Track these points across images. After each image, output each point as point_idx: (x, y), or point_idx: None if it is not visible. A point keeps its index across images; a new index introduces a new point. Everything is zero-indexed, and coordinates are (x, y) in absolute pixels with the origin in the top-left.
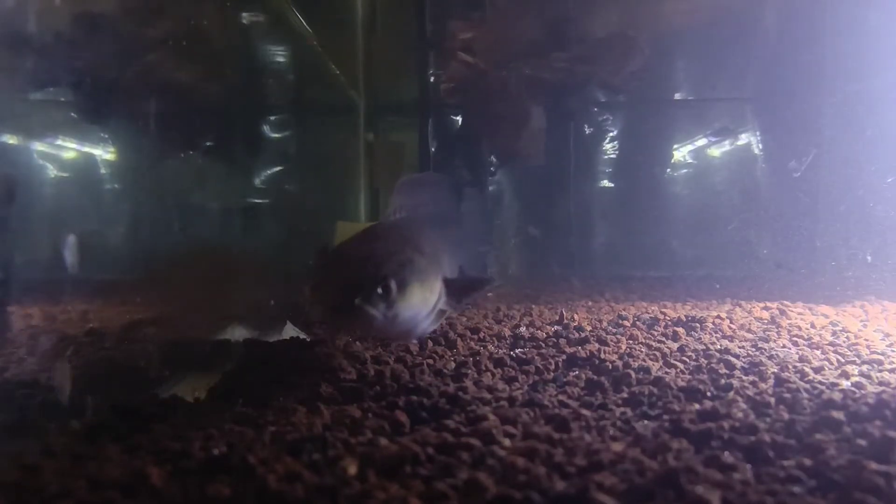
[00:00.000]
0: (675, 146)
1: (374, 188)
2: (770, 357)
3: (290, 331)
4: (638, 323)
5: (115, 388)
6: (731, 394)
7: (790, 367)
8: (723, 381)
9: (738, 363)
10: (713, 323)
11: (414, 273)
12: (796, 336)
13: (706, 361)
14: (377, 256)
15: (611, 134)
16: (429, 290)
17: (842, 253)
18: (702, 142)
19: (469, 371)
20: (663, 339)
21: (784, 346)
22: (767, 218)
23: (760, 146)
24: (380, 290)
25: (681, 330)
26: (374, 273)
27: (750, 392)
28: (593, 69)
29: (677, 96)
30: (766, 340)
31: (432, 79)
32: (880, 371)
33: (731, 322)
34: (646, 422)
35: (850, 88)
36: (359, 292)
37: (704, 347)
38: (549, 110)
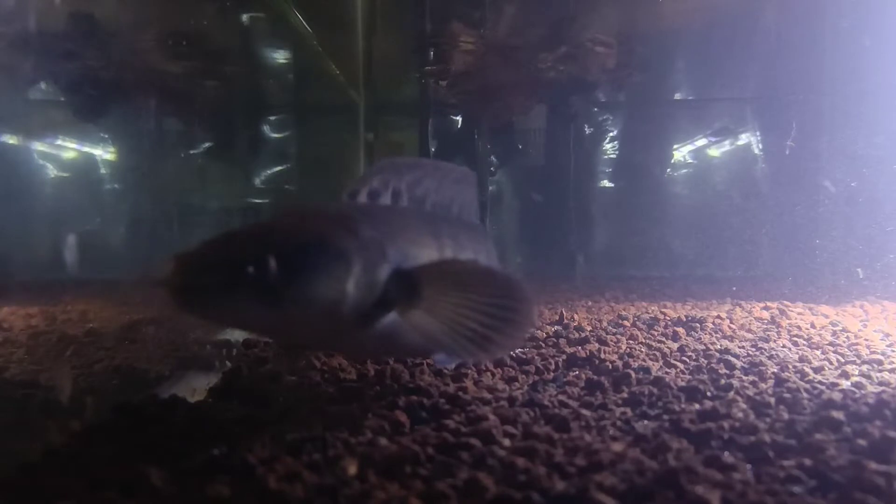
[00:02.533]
0: (675, 146)
1: None
2: (770, 357)
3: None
4: (638, 323)
5: (115, 388)
6: (731, 394)
7: (790, 367)
8: (723, 381)
9: (738, 363)
10: (713, 323)
11: (327, 257)
12: (796, 336)
13: (706, 361)
14: (275, 230)
15: (611, 134)
16: (357, 284)
17: (841, 252)
18: (702, 142)
19: (469, 371)
20: (663, 339)
21: (784, 346)
22: (767, 217)
23: (760, 146)
24: (251, 270)
25: (681, 330)
26: (251, 248)
27: (750, 392)
28: (575, 68)
29: (677, 96)
30: (766, 340)
31: (432, 77)
32: (880, 371)
33: (731, 322)
34: (646, 422)
35: (851, 90)
36: (220, 270)
37: (704, 347)
38: (548, 110)
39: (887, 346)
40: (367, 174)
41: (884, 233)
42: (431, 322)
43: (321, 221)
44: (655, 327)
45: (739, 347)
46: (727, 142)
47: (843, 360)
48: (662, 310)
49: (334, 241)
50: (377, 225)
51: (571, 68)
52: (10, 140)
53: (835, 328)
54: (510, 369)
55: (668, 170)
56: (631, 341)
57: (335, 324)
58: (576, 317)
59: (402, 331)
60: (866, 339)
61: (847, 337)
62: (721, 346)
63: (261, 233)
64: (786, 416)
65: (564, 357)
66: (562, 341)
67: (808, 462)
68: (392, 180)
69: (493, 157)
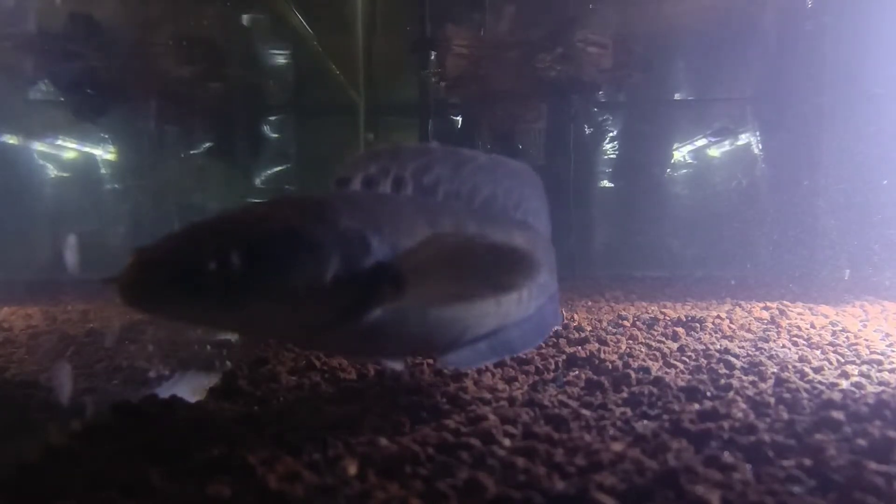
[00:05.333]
0: (675, 146)
1: None
2: (770, 357)
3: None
4: (638, 323)
5: (115, 388)
6: (731, 394)
7: (790, 367)
8: (723, 381)
9: (738, 363)
10: (713, 323)
11: (298, 250)
12: (796, 336)
13: (706, 361)
14: (242, 222)
15: (611, 134)
16: (335, 279)
17: (840, 252)
18: (702, 142)
19: (469, 371)
20: (663, 339)
21: (784, 347)
22: (767, 217)
23: (760, 146)
24: (213, 266)
25: (681, 330)
26: (212, 242)
27: (750, 392)
28: (571, 68)
29: (677, 96)
30: (766, 340)
31: (433, 78)
32: (880, 371)
33: (730, 322)
34: (645, 422)
35: (851, 90)
36: (175, 266)
37: (704, 347)
38: (548, 110)
39: (887, 346)
40: (359, 160)
41: (883, 232)
42: (422, 314)
43: (293, 211)
44: (655, 327)
45: (739, 347)
46: (727, 142)
47: (842, 360)
48: (662, 310)
49: (306, 233)
50: (360, 215)
51: (567, 69)
52: (10, 140)
53: (834, 328)
54: (510, 369)
55: (668, 170)
56: (631, 341)
57: (310, 321)
58: (576, 317)
59: (391, 327)
60: (866, 339)
61: (847, 337)
62: (721, 346)
63: (226, 224)
64: (785, 416)
65: (564, 357)
66: (562, 341)
67: (807, 462)
68: (393, 167)
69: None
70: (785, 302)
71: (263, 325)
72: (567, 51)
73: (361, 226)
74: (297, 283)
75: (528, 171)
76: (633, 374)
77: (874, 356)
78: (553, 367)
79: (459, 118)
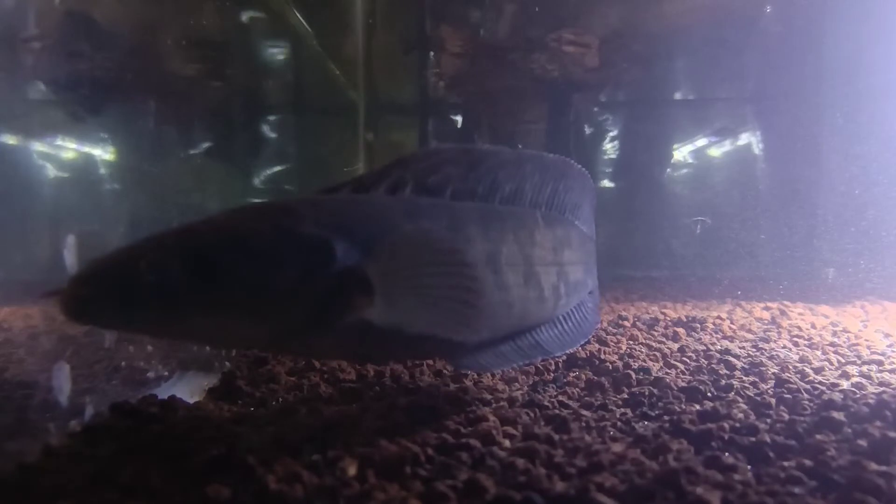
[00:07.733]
0: (675, 146)
1: None
2: (770, 357)
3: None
4: (638, 323)
5: (115, 388)
6: (732, 394)
7: (790, 367)
8: (723, 382)
9: (739, 364)
10: (713, 323)
11: (245, 260)
12: (797, 336)
13: (706, 362)
14: (192, 233)
15: (611, 134)
16: (294, 288)
17: (841, 252)
18: (702, 142)
19: (469, 372)
20: (663, 339)
21: (784, 347)
22: (767, 217)
23: (760, 146)
24: (150, 278)
25: (681, 330)
26: (155, 253)
27: (750, 393)
28: (558, 67)
29: (677, 96)
30: (767, 341)
31: (432, 78)
32: (880, 371)
33: (731, 322)
34: (646, 422)
35: (851, 88)
36: (112, 278)
37: (705, 348)
38: (549, 110)
39: (888, 346)
40: (374, 170)
41: (883, 232)
42: (396, 313)
43: (250, 219)
44: (656, 328)
45: (740, 348)
46: (727, 142)
47: (843, 361)
48: (662, 310)
49: (254, 242)
50: (327, 220)
51: (555, 68)
52: (10, 140)
53: (835, 328)
54: (510, 370)
55: (668, 170)
56: (631, 342)
57: (266, 331)
58: None
59: (374, 334)
60: (867, 340)
61: (847, 337)
62: (721, 346)
63: (174, 235)
64: (786, 416)
65: (564, 357)
66: None
67: (808, 463)
68: (396, 171)
69: None
70: (785, 302)
71: (213, 335)
72: (550, 51)
73: (328, 232)
74: (243, 294)
75: (568, 164)
76: (633, 375)
77: (875, 356)
78: (553, 367)
79: (459, 118)
